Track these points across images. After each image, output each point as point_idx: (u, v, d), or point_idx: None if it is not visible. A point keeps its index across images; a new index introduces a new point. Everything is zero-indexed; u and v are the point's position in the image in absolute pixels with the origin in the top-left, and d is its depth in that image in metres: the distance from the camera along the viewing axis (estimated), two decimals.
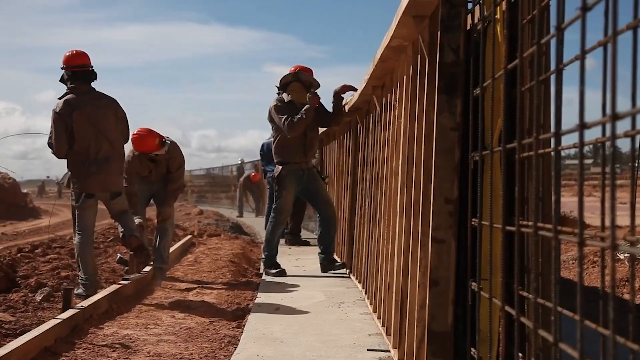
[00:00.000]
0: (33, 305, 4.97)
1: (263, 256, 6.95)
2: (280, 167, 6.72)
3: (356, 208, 6.31)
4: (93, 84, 5.64)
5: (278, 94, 6.79)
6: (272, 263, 6.76)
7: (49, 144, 5.51)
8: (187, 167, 7.18)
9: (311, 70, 6.92)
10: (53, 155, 5.55)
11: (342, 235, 7.33)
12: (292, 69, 6.93)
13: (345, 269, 6.74)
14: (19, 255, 7.04)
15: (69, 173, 5.59)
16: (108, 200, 5.59)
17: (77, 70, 5.52)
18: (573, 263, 7.40)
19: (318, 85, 6.80)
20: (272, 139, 6.92)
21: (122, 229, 5.63)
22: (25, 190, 28.24)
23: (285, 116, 6.55)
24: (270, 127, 6.89)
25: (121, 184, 5.70)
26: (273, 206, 6.89)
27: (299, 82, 6.71)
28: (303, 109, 6.55)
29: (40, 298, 5.14)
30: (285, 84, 6.75)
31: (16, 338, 3.72)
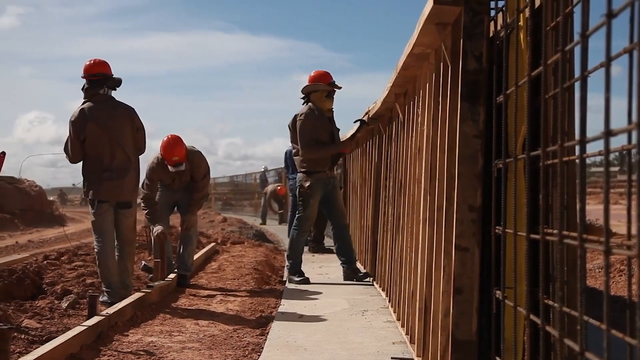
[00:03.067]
0: (59, 312, 5.02)
1: (287, 264, 6.97)
2: (308, 176, 6.75)
3: (379, 216, 6.30)
4: (116, 92, 5.69)
5: (305, 101, 6.85)
6: (296, 271, 6.77)
7: (65, 150, 5.59)
8: (212, 175, 7.22)
9: (329, 75, 6.97)
10: (69, 160, 5.60)
11: (366, 243, 7.32)
12: (312, 74, 6.97)
13: (368, 279, 6.73)
14: (45, 262, 7.11)
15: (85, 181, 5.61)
16: (117, 211, 5.57)
17: (95, 79, 5.57)
18: (599, 272, 7.31)
19: (339, 88, 6.89)
20: (294, 148, 6.97)
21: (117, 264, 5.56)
22: (51, 198, 28.58)
23: (309, 138, 6.67)
24: (290, 134, 6.94)
25: (133, 195, 5.67)
26: (297, 214, 6.90)
27: (323, 90, 6.78)
28: (332, 146, 6.76)
29: (66, 305, 5.18)
30: (308, 93, 6.82)
31: (42, 345, 3.76)
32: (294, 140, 6.89)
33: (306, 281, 6.64)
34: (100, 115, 5.50)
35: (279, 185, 20.34)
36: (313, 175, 6.75)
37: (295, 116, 6.81)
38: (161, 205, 6.69)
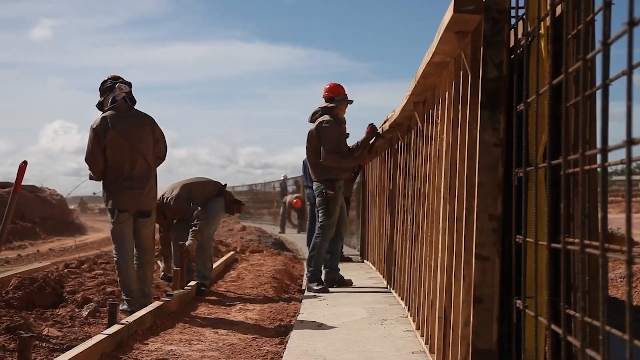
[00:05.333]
0: (79, 321, 5.05)
1: (307, 271, 6.97)
2: (331, 184, 6.82)
3: (398, 224, 6.28)
4: (137, 102, 5.75)
5: (324, 111, 6.96)
6: (316, 279, 6.77)
7: (86, 160, 5.59)
8: (231, 184, 7.30)
9: (342, 87, 7.17)
10: (90, 174, 5.60)
11: (384, 252, 7.30)
12: (327, 86, 7.13)
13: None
14: (66, 270, 7.16)
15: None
16: (137, 219, 5.59)
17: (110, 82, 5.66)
18: (621, 281, 7.24)
19: (351, 102, 7.14)
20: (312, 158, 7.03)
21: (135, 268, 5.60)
22: (72, 207, 28.77)
23: (335, 145, 6.79)
24: (306, 144, 7.01)
25: (152, 204, 5.68)
26: (321, 222, 6.91)
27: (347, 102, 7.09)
28: (354, 159, 7.02)
29: (86, 313, 5.21)
30: (338, 102, 7.04)
31: (63, 353, 3.78)
32: (311, 149, 6.92)
33: (325, 290, 6.63)
34: (122, 123, 5.54)
35: (295, 198, 20.34)
36: (336, 182, 6.86)
37: (320, 124, 6.86)
38: (179, 222, 6.92)
